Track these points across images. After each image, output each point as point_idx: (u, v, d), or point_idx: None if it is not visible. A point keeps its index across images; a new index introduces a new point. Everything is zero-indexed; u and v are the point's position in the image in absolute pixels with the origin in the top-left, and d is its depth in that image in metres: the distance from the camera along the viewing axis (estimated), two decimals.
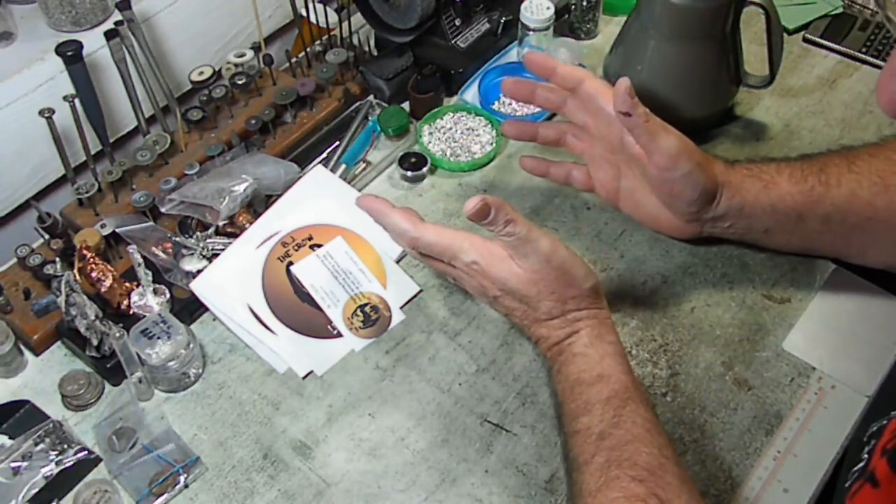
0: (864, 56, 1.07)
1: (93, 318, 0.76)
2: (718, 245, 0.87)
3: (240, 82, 0.98)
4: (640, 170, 0.79)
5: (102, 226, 0.85)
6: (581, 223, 0.90)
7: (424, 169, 0.94)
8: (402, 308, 0.83)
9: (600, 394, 0.66)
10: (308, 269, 0.85)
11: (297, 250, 0.86)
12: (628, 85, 0.72)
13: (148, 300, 0.81)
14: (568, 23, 1.11)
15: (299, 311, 0.83)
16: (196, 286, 0.82)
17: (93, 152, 0.91)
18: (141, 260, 0.80)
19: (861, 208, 0.76)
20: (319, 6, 1.03)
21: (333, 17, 1.04)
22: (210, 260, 0.85)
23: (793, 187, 0.77)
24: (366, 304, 0.83)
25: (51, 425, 0.74)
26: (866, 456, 0.60)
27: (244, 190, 0.86)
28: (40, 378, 0.80)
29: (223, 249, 0.85)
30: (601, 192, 0.85)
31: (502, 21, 1.06)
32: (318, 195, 0.89)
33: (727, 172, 0.78)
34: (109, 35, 0.90)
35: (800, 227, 0.78)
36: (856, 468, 0.60)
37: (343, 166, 0.94)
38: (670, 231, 0.84)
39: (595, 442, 0.64)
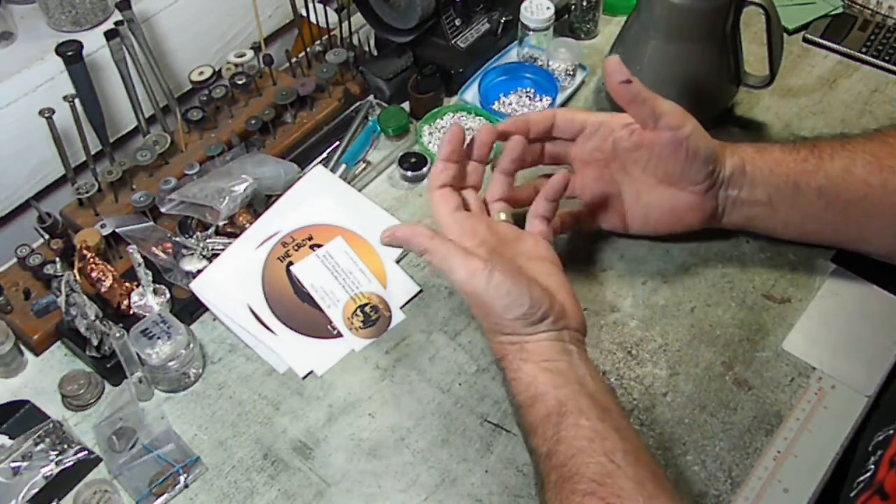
0: (864, 56, 1.07)
1: (93, 318, 0.76)
2: (718, 245, 0.87)
3: (240, 82, 0.98)
4: (642, 161, 0.78)
5: (102, 226, 0.85)
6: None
7: (424, 169, 0.94)
8: (402, 308, 0.83)
9: (538, 414, 0.65)
10: (308, 269, 0.85)
11: (297, 250, 0.86)
12: (618, 58, 0.74)
13: (148, 300, 0.81)
14: (568, 23, 1.11)
15: (299, 311, 0.83)
16: (196, 286, 0.82)
17: (93, 152, 0.91)
18: (141, 260, 0.80)
19: (855, 185, 0.76)
20: (319, 6, 1.03)
21: (333, 17, 1.04)
22: (210, 260, 0.85)
23: (786, 155, 0.79)
24: (366, 304, 0.83)
25: (51, 425, 0.74)
26: (872, 467, 0.59)
27: (244, 190, 0.86)
28: (40, 378, 0.80)
29: (223, 249, 0.85)
30: (607, 222, 0.83)
31: (502, 21, 1.06)
32: (318, 195, 0.89)
33: (720, 142, 0.79)
34: (109, 35, 0.90)
35: (798, 199, 0.78)
36: (861, 478, 0.60)
37: (343, 166, 0.94)
38: (689, 217, 0.81)
39: (545, 461, 0.63)
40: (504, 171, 0.78)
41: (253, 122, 0.95)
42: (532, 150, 0.80)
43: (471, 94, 1.02)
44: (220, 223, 0.86)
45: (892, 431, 0.60)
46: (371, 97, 1.03)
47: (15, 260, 0.84)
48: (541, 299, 0.67)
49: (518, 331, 0.68)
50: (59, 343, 0.82)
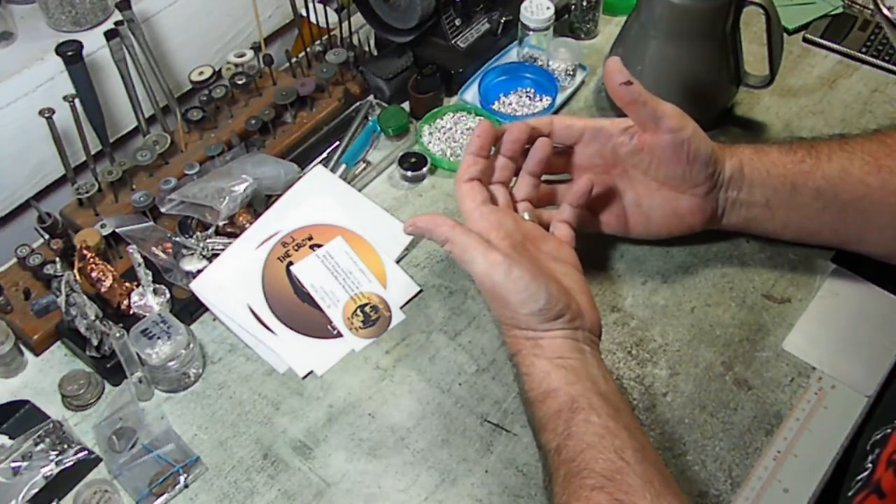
0: (864, 56, 1.07)
1: (93, 318, 0.76)
2: (718, 245, 0.87)
3: (240, 82, 0.98)
4: (643, 165, 0.78)
5: (102, 226, 0.85)
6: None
7: (424, 169, 0.94)
8: (402, 308, 0.83)
9: (549, 409, 0.65)
10: (308, 269, 0.85)
11: (297, 250, 0.86)
12: (619, 60, 0.74)
13: (148, 300, 0.81)
14: (568, 23, 1.11)
15: (299, 311, 0.83)
16: (196, 286, 0.82)
17: (93, 152, 0.91)
18: (141, 260, 0.80)
19: (853, 185, 0.76)
20: (319, 6, 1.03)
21: (333, 17, 1.04)
22: (210, 260, 0.85)
23: (783, 156, 0.79)
24: (366, 304, 0.83)
25: (51, 425, 0.74)
26: (870, 465, 0.59)
27: (244, 190, 0.86)
28: (40, 378, 0.80)
29: (223, 249, 0.85)
30: (608, 227, 0.83)
31: (502, 21, 1.06)
32: (318, 195, 0.89)
33: (718, 144, 0.79)
34: (109, 35, 0.90)
35: (796, 200, 0.78)
36: (859, 477, 0.60)
37: (343, 166, 0.94)
38: (690, 219, 0.81)
39: (554, 456, 0.63)
40: (531, 173, 0.79)
41: (253, 122, 0.95)
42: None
43: (471, 94, 1.02)
44: (220, 223, 0.86)
45: (889, 430, 0.60)
46: (371, 97, 1.03)
47: (15, 260, 0.84)
48: (558, 297, 0.67)
49: (533, 326, 0.68)
50: (59, 343, 0.82)
